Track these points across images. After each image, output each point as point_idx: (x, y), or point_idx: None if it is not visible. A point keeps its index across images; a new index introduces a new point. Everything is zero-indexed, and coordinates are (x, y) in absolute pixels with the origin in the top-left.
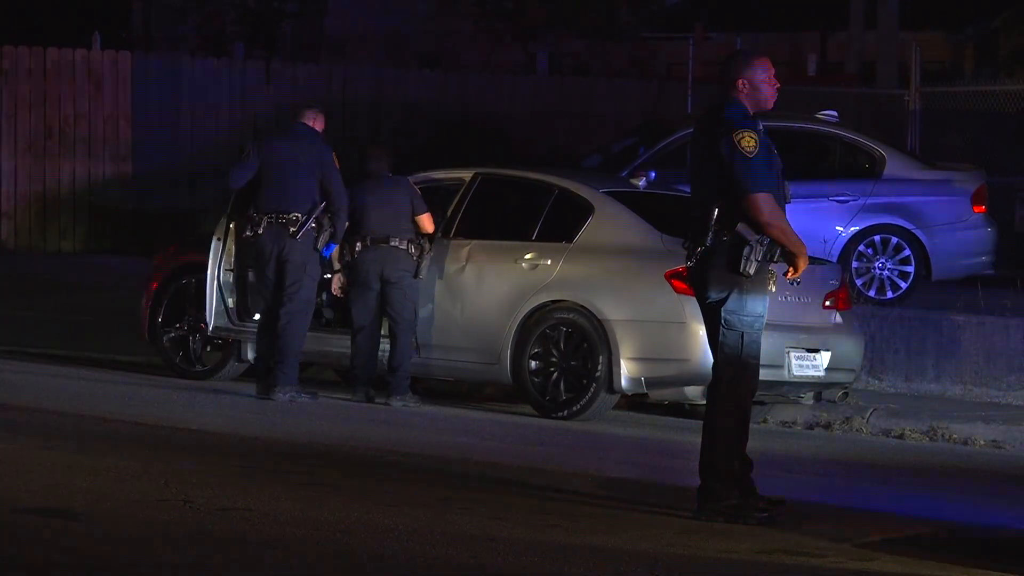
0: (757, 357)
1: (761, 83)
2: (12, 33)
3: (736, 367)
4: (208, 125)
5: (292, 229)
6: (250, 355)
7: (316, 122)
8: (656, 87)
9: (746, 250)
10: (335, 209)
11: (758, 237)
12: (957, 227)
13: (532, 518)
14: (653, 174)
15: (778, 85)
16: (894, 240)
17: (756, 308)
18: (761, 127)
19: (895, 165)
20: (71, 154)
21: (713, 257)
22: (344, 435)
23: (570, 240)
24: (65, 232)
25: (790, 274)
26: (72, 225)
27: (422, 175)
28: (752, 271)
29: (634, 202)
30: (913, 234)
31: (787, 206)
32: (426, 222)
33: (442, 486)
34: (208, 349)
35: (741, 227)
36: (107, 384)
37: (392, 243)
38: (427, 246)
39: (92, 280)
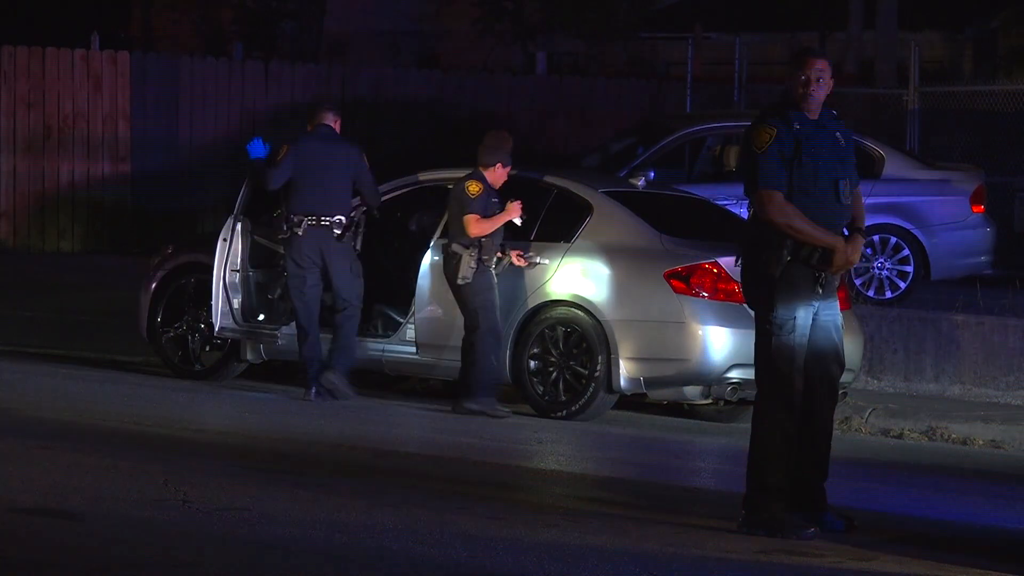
0: (790, 363)
1: (797, 84)
2: (12, 33)
3: (768, 373)
4: (207, 125)
5: (337, 232)
6: (250, 355)
7: (336, 123)
8: (655, 87)
9: (766, 251)
10: (369, 208)
11: (776, 238)
12: (956, 227)
13: (532, 518)
14: (652, 174)
15: (811, 89)
16: (893, 240)
17: (789, 312)
18: (795, 125)
19: (894, 165)
20: (70, 154)
21: (746, 258)
22: (343, 435)
23: (569, 240)
24: (64, 232)
25: (832, 269)
26: (71, 225)
27: (421, 175)
28: (776, 272)
29: (633, 202)
30: (912, 234)
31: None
32: (466, 223)
33: (442, 486)
34: (207, 349)
35: (763, 228)
36: (106, 384)
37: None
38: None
39: (91, 280)
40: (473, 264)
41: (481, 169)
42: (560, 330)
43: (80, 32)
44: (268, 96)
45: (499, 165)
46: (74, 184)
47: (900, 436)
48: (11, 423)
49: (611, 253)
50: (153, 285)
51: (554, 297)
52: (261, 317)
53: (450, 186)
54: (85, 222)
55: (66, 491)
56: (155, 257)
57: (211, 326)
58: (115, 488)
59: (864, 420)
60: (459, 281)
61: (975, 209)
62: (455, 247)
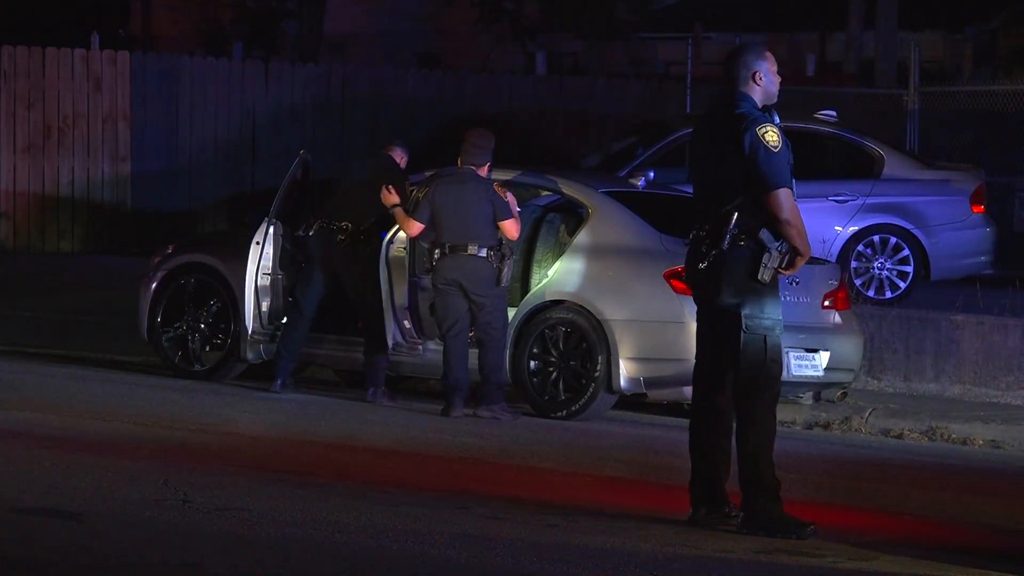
0: (779, 361)
1: (772, 75)
2: (12, 33)
3: (761, 374)
4: (207, 125)
5: (340, 237)
6: (250, 355)
7: (401, 157)
8: (655, 87)
9: (765, 257)
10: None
11: (777, 244)
12: (956, 227)
13: (532, 518)
14: (652, 174)
15: (779, 79)
16: (893, 240)
17: (775, 311)
18: (778, 121)
19: (894, 165)
20: (70, 154)
21: (729, 262)
22: (343, 435)
23: (568, 240)
24: (64, 232)
25: (787, 270)
26: (71, 225)
27: (422, 176)
28: (768, 278)
29: (633, 202)
30: (912, 234)
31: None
32: (510, 228)
33: (441, 486)
34: (207, 349)
35: (764, 234)
36: (107, 384)
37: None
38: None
39: (91, 280)
40: (511, 268)
41: (474, 168)
42: (560, 330)
43: (80, 32)
44: (268, 96)
45: (488, 165)
46: (74, 184)
47: (900, 436)
48: (11, 423)
49: (611, 253)
50: (153, 285)
51: (554, 297)
52: (284, 320)
53: None
54: (85, 222)
55: (66, 491)
56: (155, 257)
57: (211, 326)
58: (115, 488)
59: (864, 420)
60: (503, 284)
61: (975, 209)
62: (498, 251)
